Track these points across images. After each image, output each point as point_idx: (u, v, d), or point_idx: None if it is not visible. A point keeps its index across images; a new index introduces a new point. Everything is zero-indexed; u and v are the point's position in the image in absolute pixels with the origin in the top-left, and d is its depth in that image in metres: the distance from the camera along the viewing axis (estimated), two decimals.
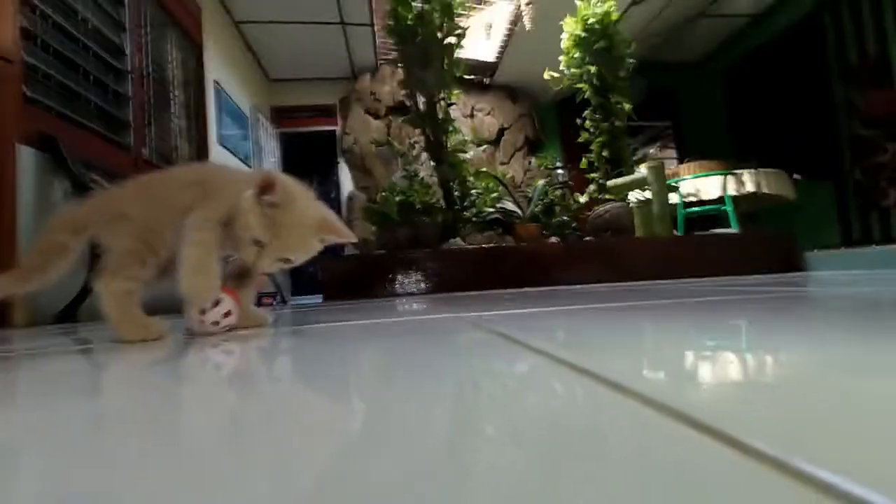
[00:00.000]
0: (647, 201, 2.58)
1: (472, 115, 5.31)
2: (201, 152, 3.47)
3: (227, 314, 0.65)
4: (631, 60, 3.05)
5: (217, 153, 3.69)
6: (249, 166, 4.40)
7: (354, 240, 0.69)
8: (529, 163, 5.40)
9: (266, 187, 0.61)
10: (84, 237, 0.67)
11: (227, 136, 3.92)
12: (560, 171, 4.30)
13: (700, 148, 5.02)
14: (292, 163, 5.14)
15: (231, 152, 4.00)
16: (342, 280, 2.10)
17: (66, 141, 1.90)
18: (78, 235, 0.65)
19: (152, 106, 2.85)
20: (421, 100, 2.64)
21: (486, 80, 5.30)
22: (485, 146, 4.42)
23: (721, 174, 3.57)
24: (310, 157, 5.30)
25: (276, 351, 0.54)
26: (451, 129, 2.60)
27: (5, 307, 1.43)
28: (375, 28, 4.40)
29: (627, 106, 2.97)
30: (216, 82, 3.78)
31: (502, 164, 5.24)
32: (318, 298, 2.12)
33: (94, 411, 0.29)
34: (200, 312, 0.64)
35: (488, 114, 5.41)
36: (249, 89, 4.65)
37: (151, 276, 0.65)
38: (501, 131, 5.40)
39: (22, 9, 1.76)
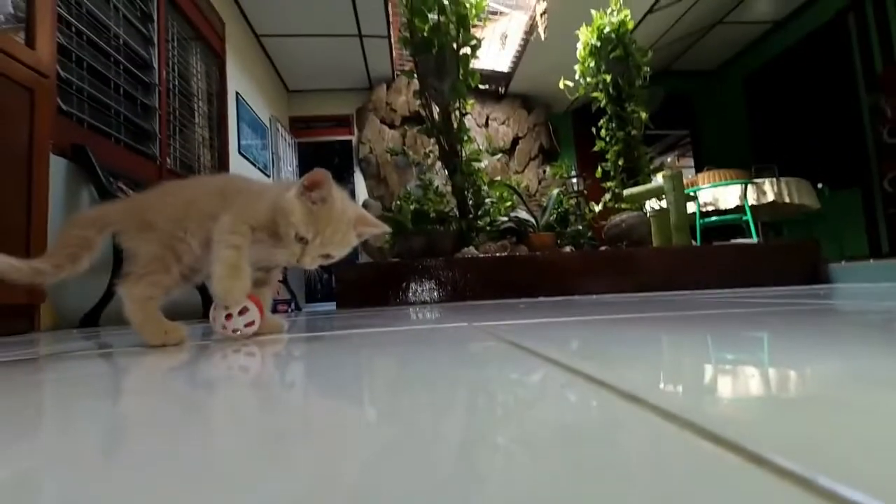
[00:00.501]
0: (664, 210, 2.54)
1: (486, 125, 5.34)
2: (222, 161, 3.56)
3: (250, 323, 0.66)
4: (647, 69, 3.03)
5: (236, 162, 3.79)
6: (268, 175, 4.50)
7: (388, 230, 0.72)
8: (544, 172, 5.38)
9: (314, 184, 0.65)
10: (106, 234, 0.68)
11: (246, 145, 4.02)
12: (575, 180, 4.28)
13: (718, 156, 4.94)
14: (309, 171, 5.23)
15: (250, 161, 4.10)
16: (356, 287, 2.11)
17: (95, 151, 1.97)
18: (100, 232, 0.67)
19: (177, 117, 2.95)
20: (436, 110, 2.67)
21: (501, 90, 5.33)
22: (499, 155, 4.42)
23: (740, 183, 3.50)
24: (326, 165, 5.31)
25: (293, 357, 0.55)
26: (465, 138, 2.61)
27: (32, 311, 1.48)
28: (392, 40, 4.48)
29: (644, 114, 2.95)
30: (237, 93, 3.89)
31: (516, 172, 5.25)
32: (331, 305, 2.13)
33: (117, 412, 0.30)
34: (226, 317, 0.65)
35: (503, 123, 5.43)
36: (269, 100, 4.77)
37: (174, 283, 0.67)
38: (516, 140, 5.41)
39: (58, 26, 1.84)
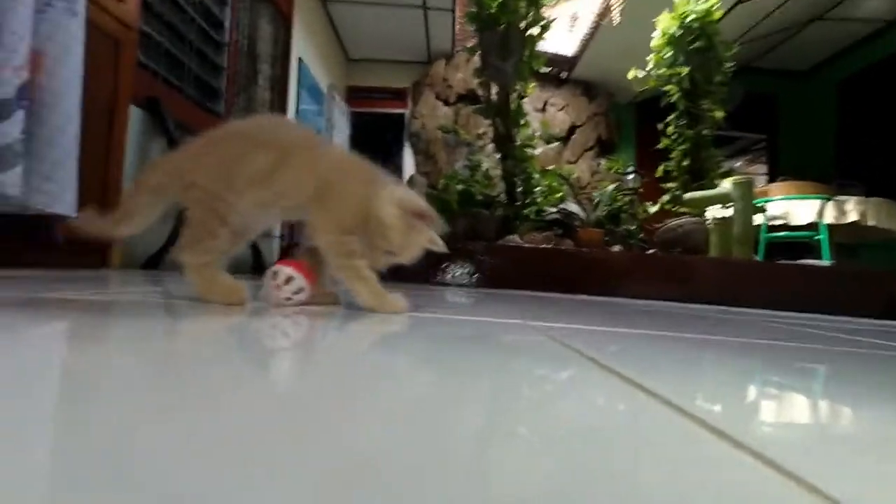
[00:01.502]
0: (727, 220, 2.36)
1: (543, 109, 5.14)
2: None
3: (298, 291, 0.66)
4: (730, 65, 2.78)
5: None
6: None
7: (441, 250, 0.73)
8: (598, 164, 5.15)
9: (422, 217, 0.68)
10: (161, 199, 0.69)
11: (304, 110, 4.11)
12: (631, 176, 4.07)
13: (796, 166, 4.51)
14: (361, 141, 5.30)
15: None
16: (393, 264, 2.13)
17: (167, 104, 2.07)
18: (157, 198, 0.69)
19: (242, 77, 3.04)
20: (494, 90, 2.59)
21: (563, 74, 5.10)
22: (555, 144, 4.26)
23: (820, 198, 3.19)
24: (378, 137, 5.43)
25: (351, 328, 0.55)
26: (522, 122, 2.53)
27: (105, 249, 1.60)
28: (456, 13, 4.36)
29: (719, 114, 2.72)
30: (300, 59, 3.95)
31: (569, 162, 5.05)
32: None
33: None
34: (275, 287, 0.66)
35: (561, 109, 5.21)
36: (329, 68, 4.82)
37: (227, 245, 0.67)
38: (572, 129, 5.20)
39: None
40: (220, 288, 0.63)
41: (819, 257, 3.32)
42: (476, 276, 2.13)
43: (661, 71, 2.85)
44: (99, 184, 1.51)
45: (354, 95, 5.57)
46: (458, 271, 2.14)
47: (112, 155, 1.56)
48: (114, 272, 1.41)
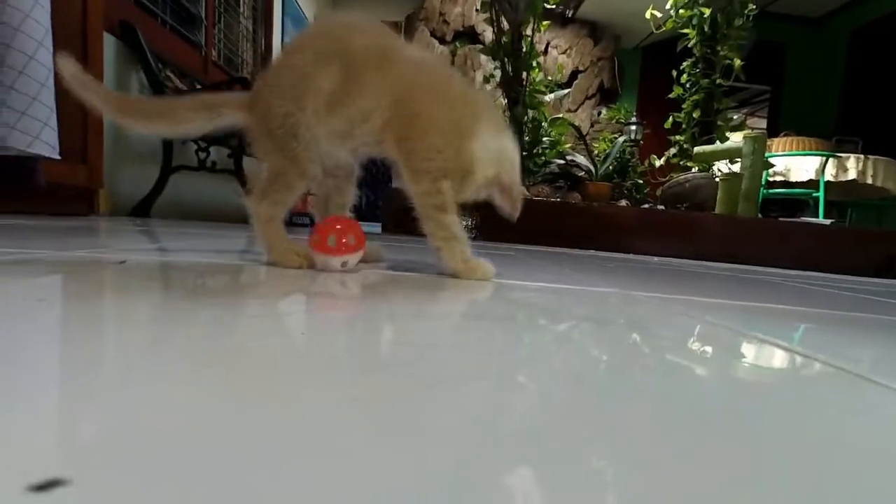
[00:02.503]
0: (737, 175, 2.33)
1: (545, 52, 4.85)
2: (266, 60, 3.36)
3: (353, 249, 0.58)
4: (753, 6, 2.61)
5: None
6: None
7: (513, 216, 0.65)
8: (599, 114, 4.98)
9: (510, 201, 0.61)
10: (218, 120, 0.57)
11: None
12: (634, 127, 3.94)
13: (799, 121, 4.45)
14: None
15: None
16: (401, 213, 2.05)
17: (143, 31, 1.84)
18: (212, 115, 0.56)
19: (222, 3, 2.72)
20: (504, 27, 2.38)
21: (569, 13, 4.76)
22: (567, 91, 4.05)
23: (823, 155, 3.17)
24: None
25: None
26: (534, 65, 2.36)
27: (92, 195, 1.48)
28: None
29: (738, 62, 2.59)
30: None
31: (569, 111, 4.86)
32: (376, 228, 2.10)
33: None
34: (331, 251, 0.59)
35: (564, 52, 4.92)
36: None
37: (298, 200, 0.58)
38: (574, 74, 4.94)
39: None
40: (290, 250, 0.55)
41: (813, 215, 3.36)
42: (477, 229, 2.08)
43: (682, 12, 2.66)
44: (79, 126, 1.35)
45: None
46: (463, 223, 2.08)
47: None
48: (104, 221, 1.31)
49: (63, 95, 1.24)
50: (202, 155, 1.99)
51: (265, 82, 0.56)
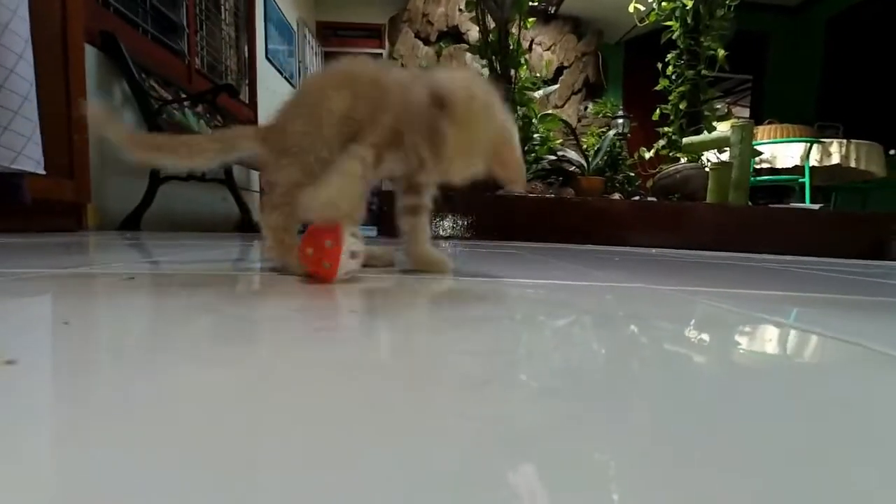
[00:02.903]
0: (726, 164, 2.35)
1: (529, 49, 4.87)
2: (250, 66, 3.32)
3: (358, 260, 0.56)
4: None
5: (264, 69, 3.53)
6: (294, 86, 4.22)
7: (521, 186, 0.58)
8: (585, 108, 5.01)
9: (439, 103, 0.50)
10: (235, 153, 0.59)
11: (273, 50, 3.72)
12: (621, 120, 3.97)
13: (781, 109, 4.53)
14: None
15: (277, 69, 3.83)
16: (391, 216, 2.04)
17: (124, 41, 1.80)
18: (226, 151, 0.58)
19: (203, 11, 2.68)
20: (490, 26, 2.38)
21: (552, 9, 4.78)
22: (554, 88, 4.06)
23: (807, 141, 3.23)
24: None
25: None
26: (522, 62, 2.36)
27: (80, 210, 1.44)
28: None
29: (721, 52, 2.63)
30: None
31: (556, 107, 4.89)
32: (372, 232, 2.08)
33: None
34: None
35: (548, 49, 4.95)
36: (296, 0, 4.34)
37: None
38: (559, 70, 4.97)
39: None
40: (295, 256, 0.55)
41: (800, 200, 3.42)
42: (472, 228, 2.08)
43: (664, 4, 2.69)
44: (64, 139, 1.32)
45: (325, 33, 5.10)
46: (455, 223, 2.07)
47: (73, 94, 1.35)
48: (94, 236, 1.27)
49: (46, 109, 1.21)
50: None
51: (286, 127, 0.58)
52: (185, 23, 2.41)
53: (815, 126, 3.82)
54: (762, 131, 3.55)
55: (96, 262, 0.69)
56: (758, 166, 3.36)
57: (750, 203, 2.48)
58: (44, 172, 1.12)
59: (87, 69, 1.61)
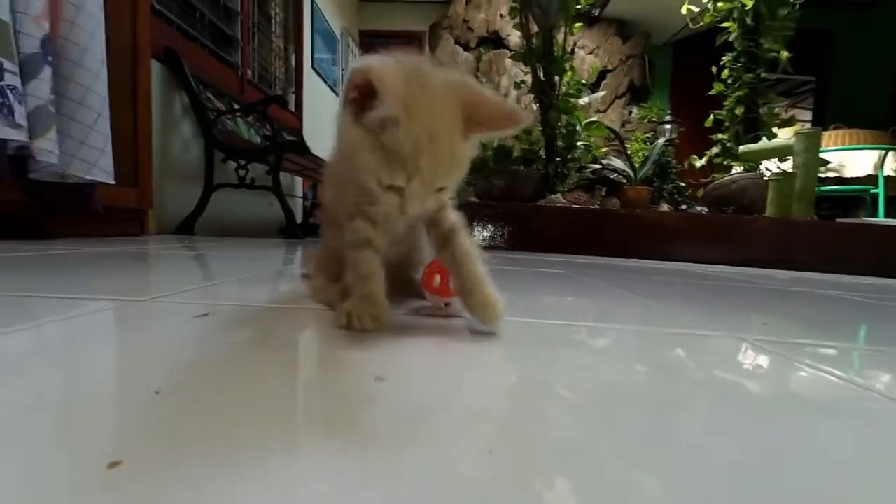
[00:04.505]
0: (789, 175, 2.19)
1: (572, 53, 4.76)
2: (297, 77, 3.43)
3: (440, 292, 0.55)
4: None
5: (310, 79, 3.65)
6: (337, 94, 4.34)
7: (524, 123, 0.40)
8: (629, 113, 4.84)
9: (360, 92, 0.37)
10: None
11: (319, 59, 3.84)
12: (668, 126, 3.81)
13: (848, 112, 4.18)
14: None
15: (322, 78, 3.94)
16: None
17: (184, 55, 1.91)
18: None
19: (256, 23, 2.80)
20: (534, 30, 2.34)
21: (595, 12, 4.66)
22: (600, 94, 3.95)
23: (881, 149, 2.96)
24: None
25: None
26: (567, 69, 2.30)
27: (143, 215, 1.53)
28: None
29: (784, 54, 2.45)
30: (312, 1, 3.64)
31: (598, 112, 4.75)
32: None
33: None
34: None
35: (591, 52, 4.83)
36: (340, 9, 4.46)
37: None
38: (602, 74, 4.83)
39: None
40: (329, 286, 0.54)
41: (871, 213, 3.14)
42: (512, 238, 2.03)
43: (720, 4, 2.54)
44: (130, 150, 1.40)
45: (366, 41, 5.21)
46: (494, 233, 2.04)
47: (140, 109, 1.44)
48: (154, 241, 1.34)
49: (115, 122, 1.29)
50: (241, 172, 2.04)
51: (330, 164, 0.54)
52: (238, 35, 2.53)
53: (890, 131, 3.49)
54: (828, 137, 3.30)
55: (163, 285, 0.71)
56: (822, 175, 3.12)
57: (815, 216, 2.30)
58: (113, 182, 1.19)
59: (153, 83, 1.72)
